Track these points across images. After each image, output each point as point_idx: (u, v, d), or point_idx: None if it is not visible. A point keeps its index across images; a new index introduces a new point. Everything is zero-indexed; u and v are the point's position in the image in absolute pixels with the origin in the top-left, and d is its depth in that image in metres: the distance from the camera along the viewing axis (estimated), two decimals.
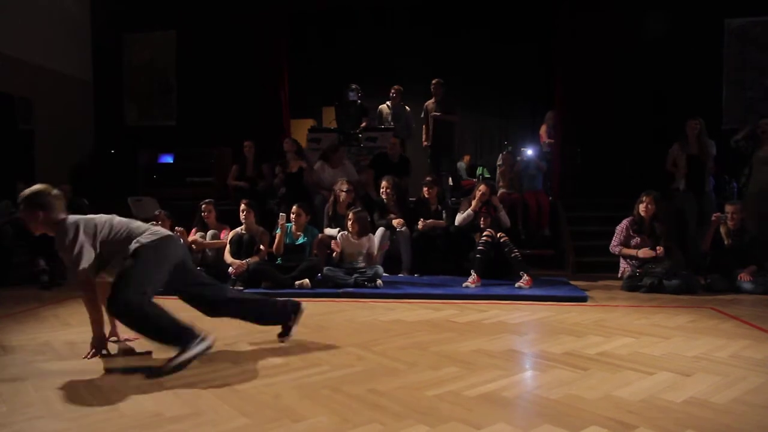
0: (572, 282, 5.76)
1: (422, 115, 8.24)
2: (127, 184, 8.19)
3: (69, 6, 8.93)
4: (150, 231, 3.05)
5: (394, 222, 6.19)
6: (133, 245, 2.95)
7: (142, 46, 9.41)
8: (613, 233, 5.73)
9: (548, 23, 8.76)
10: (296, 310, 3.47)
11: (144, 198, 7.57)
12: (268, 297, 3.69)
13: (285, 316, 3.45)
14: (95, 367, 2.94)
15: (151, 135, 9.05)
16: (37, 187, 3.00)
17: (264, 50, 8.80)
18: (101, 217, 3.05)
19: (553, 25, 8.45)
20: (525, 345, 3.43)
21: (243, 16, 8.81)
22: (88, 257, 2.90)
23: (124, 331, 3.14)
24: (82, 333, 3.12)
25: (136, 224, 3.12)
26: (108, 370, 2.88)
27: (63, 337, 3.12)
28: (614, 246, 5.69)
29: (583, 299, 4.90)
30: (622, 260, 5.70)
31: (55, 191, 3.01)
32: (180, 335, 2.87)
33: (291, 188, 7.00)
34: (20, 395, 2.52)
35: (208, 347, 2.93)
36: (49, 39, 8.43)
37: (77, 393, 2.55)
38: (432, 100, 8.08)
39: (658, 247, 5.44)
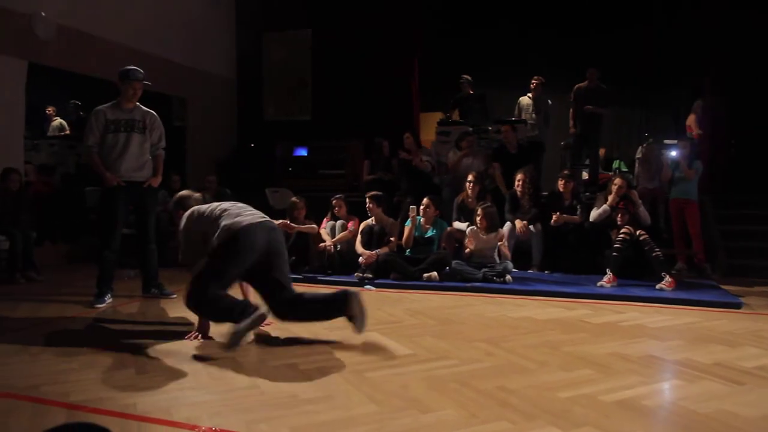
0: (722, 286, 5.27)
1: (571, 98, 7.97)
2: (266, 175, 8.68)
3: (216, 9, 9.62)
4: (234, 216, 3.19)
5: (518, 225, 6.00)
6: (219, 232, 3.13)
7: (281, 44, 9.91)
8: None
9: (696, 8, 8.02)
10: (345, 299, 3.28)
11: (280, 189, 7.99)
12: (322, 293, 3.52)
13: (342, 308, 3.29)
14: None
15: (287, 129, 9.52)
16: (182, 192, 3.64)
17: (395, 46, 8.91)
18: (211, 205, 3.35)
19: (701, 9, 7.73)
20: (667, 351, 3.19)
21: (376, 14, 8.96)
22: (187, 247, 3.28)
23: None
24: None
25: (228, 210, 3.27)
26: (250, 351, 3.08)
27: None
28: None
29: (737, 306, 4.46)
30: None
31: (196, 195, 3.57)
32: (233, 310, 3.03)
33: (410, 180, 7.10)
34: (174, 368, 2.76)
35: (261, 316, 3.05)
36: (199, 42, 9.12)
37: (222, 370, 2.75)
38: (585, 83, 7.82)
39: None
